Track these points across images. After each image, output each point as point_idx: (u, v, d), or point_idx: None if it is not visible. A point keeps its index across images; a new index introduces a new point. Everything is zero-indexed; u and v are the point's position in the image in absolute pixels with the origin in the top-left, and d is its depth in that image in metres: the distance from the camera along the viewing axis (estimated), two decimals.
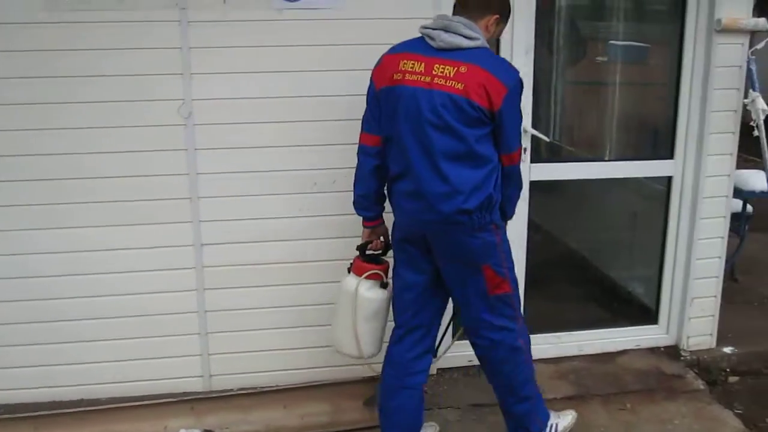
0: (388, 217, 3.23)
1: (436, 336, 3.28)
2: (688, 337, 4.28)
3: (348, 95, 3.54)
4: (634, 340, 4.32)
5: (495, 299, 3.06)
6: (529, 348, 3.24)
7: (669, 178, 4.11)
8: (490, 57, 2.90)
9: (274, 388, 3.77)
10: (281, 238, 3.70)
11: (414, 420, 3.25)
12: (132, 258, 3.63)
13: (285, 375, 3.85)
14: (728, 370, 4.29)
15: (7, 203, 3.50)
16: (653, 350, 4.33)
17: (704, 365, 4.24)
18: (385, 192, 3.17)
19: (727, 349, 4.33)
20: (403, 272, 3.16)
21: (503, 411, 3.32)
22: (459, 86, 2.80)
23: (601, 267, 4.95)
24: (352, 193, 3.19)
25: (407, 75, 2.89)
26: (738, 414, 3.83)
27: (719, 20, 3.81)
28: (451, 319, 3.50)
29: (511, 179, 3.04)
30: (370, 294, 3.19)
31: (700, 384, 4.05)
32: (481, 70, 2.81)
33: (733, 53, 3.90)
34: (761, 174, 4.50)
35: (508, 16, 3.09)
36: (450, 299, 3.24)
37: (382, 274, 3.23)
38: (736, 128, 4.02)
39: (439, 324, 3.29)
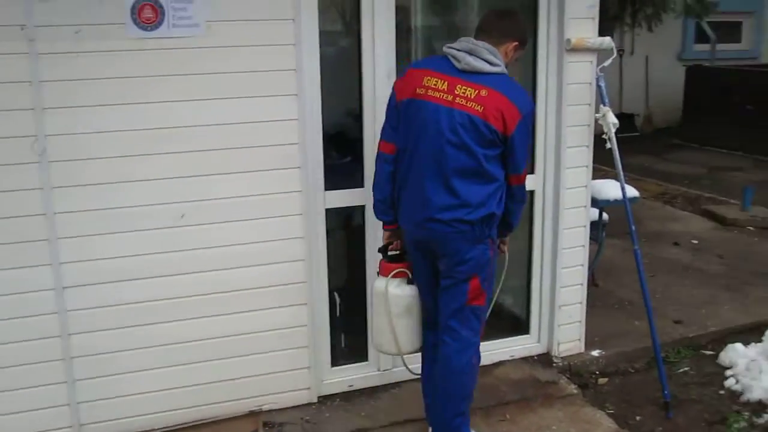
0: None
1: (436, 331, 3.46)
2: (559, 344, 4.44)
3: (213, 125, 3.48)
4: (509, 351, 4.43)
5: (468, 310, 3.27)
6: (478, 367, 3.45)
7: (531, 192, 4.25)
8: (509, 83, 3.12)
9: None
10: (151, 274, 3.56)
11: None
12: None
13: (163, 417, 3.70)
14: (597, 372, 4.48)
15: None
16: (527, 359, 4.45)
17: (575, 370, 4.41)
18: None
19: (595, 353, 4.53)
20: (419, 275, 3.40)
21: (435, 424, 3.45)
22: (479, 108, 3.02)
23: None
24: (372, 198, 3.41)
25: (430, 91, 3.09)
26: (610, 414, 4.00)
27: (568, 40, 4.00)
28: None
29: (516, 197, 3.27)
30: (399, 291, 3.41)
31: (573, 388, 4.19)
32: (501, 95, 3.04)
33: (582, 71, 4.10)
34: (614, 183, 4.73)
35: (526, 43, 3.33)
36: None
37: (407, 271, 3.42)
38: (590, 141, 4.22)
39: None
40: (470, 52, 3.09)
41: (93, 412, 3.60)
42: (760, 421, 3.95)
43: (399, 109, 3.19)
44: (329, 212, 3.86)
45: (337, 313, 4.05)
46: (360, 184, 3.88)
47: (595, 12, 4.06)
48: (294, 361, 3.89)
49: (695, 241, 6.95)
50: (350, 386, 4.09)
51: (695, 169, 10.57)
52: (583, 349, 4.52)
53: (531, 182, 4.21)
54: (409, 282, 3.43)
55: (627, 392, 4.30)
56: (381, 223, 3.48)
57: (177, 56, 3.39)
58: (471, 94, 3.04)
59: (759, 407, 4.10)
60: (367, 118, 3.81)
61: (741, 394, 4.24)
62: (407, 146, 3.16)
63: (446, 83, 3.07)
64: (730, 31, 14.91)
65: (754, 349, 4.57)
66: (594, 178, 4.51)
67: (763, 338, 4.64)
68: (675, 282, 5.82)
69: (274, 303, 3.77)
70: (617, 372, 4.50)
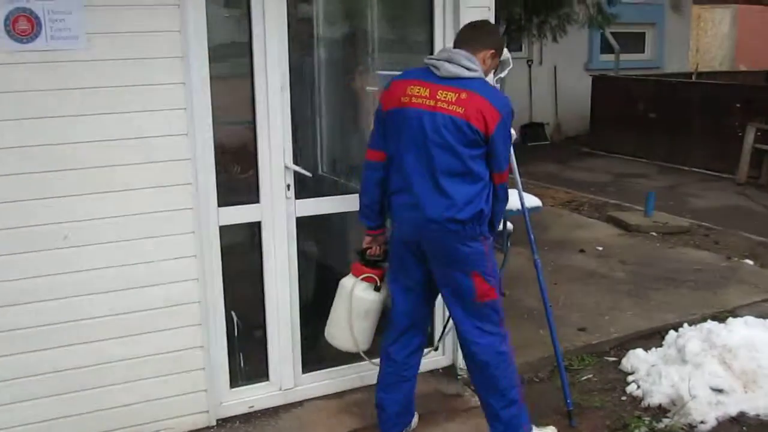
0: None
1: (426, 333, 3.76)
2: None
3: (96, 141, 3.34)
4: None
5: (483, 306, 3.40)
6: (513, 354, 3.57)
7: None
8: (487, 87, 3.31)
9: None
10: (37, 298, 3.36)
11: (409, 405, 3.72)
12: None
13: None
14: None
15: None
16: (433, 372, 4.41)
17: None
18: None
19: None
20: (399, 279, 3.52)
21: (489, 416, 3.58)
22: (460, 110, 3.18)
23: None
24: (358, 203, 3.58)
25: (414, 98, 3.26)
26: None
27: None
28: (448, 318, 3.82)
29: (500, 195, 3.39)
30: (364, 294, 3.60)
31: (477, 401, 4.16)
32: (480, 97, 3.20)
33: None
34: (514, 193, 4.74)
35: (502, 51, 3.54)
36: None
37: (376, 278, 3.59)
38: None
39: (428, 324, 3.75)
40: (448, 60, 3.27)
41: None
42: (660, 425, 4.00)
43: (386, 119, 3.37)
44: (224, 229, 3.74)
45: (236, 333, 3.93)
46: (256, 199, 3.78)
47: (491, 2, 4.05)
48: (190, 384, 3.75)
49: (600, 248, 7.07)
50: (251, 407, 3.97)
51: (602, 176, 10.81)
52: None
53: None
54: (376, 289, 3.61)
55: (531, 402, 4.24)
56: (283, 237, 3.60)
57: (56, 70, 3.24)
58: (452, 98, 3.20)
59: (659, 412, 4.15)
60: (260, 131, 3.72)
61: (642, 399, 4.29)
62: (397, 152, 3.33)
63: (428, 90, 3.25)
64: (635, 42, 15.38)
65: (654, 354, 4.64)
66: None
67: (664, 343, 4.72)
68: (579, 289, 5.90)
69: (167, 324, 3.63)
70: (522, 382, 4.47)
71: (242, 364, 4.01)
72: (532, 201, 4.61)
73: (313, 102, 4.70)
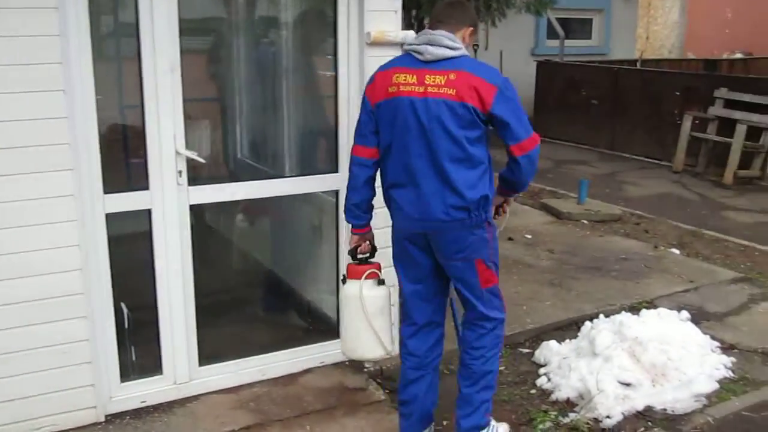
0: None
1: (444, 323, 3.59)
2: None
3: None
4: (319, 357, 4.26)
5: (487, 292, 3.37)
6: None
7: (336, 192, 4.09)
8: (474, 62, 3.18)
9: None
10: None
11: (433, 397, 3.62)
12: None
13: None
14: None
15: None
16: (338, 365, 4.28)
17: (387, 374, 4.28)
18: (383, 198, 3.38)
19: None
20: (409, 274, 3.42)
21: (462, 398, 3.54)
22: (451, 92, 3.07)
23: (284, 286, 4.83)
24: (345, 202, 3.41)
25: (401, 87, 3.14)
26: None
27: (368, 33, 3.85)
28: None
29: (525, 168, 3.20)
30: (374, 292, 3.43)
31: (382, 394, 4.07)
32: (469, 74, 3.09)
33: None
34: None
35: (478, 28, 3.46)
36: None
37: (378, 272, 3.45)
38: None
39: (444, 314, 3.57)
40: (430, 43, 3.15)
41: None
42: (566, 420, 3.93)
43: (375, 113, 3.24)
44: (111, 217, 3.56)
45: (126, 325, 3.77)
46: (145, 186, 3.61)
47: (398, 5, 3.92)
48: (76, 379, 3.58)
49: (529, 236, 7.01)
50: (143, 402, 3.82)
51: (542, 162, 10.55)
52: (398, 352, 4.38)
53: (334, 182, 4.06)
54: (380, 282, 3.46)
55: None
56: (175, 225, 3.41)
57: None
58: (441, 81, 3.10)
59: (566, 406, 4.09)
60: (149, 115, 3.54)
61: (551, 392, 4.22)
62: (392, 145, 3.21)
63: (415, 76, 3.13)
64: (582, 28, 15.37)
65: (567, 345, 4.58)
66: None
67: (579, 334, 4.66)
68: (502, 278, 5.62)
69: (50, 317, 3.45)
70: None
71: (134, 358, 3.85)
72: None
73: (232, 85, 4.58)
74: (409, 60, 3.20)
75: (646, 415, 3.98)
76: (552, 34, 13.90)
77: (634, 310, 5.13)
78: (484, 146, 3.19)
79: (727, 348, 4.75)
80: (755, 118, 9.47)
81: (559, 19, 13.76)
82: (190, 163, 3.68)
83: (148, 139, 3.57)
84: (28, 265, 3.36)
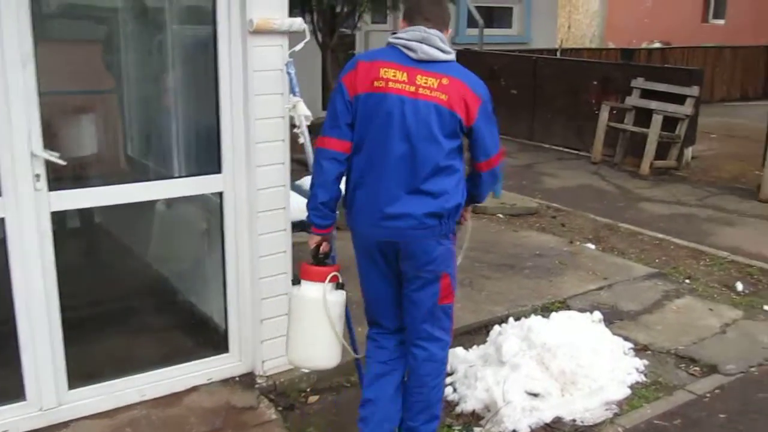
0: None
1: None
2: (263, 362, 3.98)
3: None
4: (206, 374, 3.91)
5: (440, 310, 3.22)
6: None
7: (220, 194, 3.75)
8: (463, 70, 3.06)
9: None
10: None
11: (398, 407, 3.37)
12: None
13: None
14: (308, 390, 4.06)
15: None
16: (227, 381, 3.95)
17: (281, 390, 3.98)
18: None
19: (307, 369, 4.09)
20: (375, 281, 3.26)
21: (407, 429, 3.35)
22: (443, 97, 2.96)
23: (168, 295, 4.44)
24: (310, 200, 3.12)
25: (390, 83, 2.96)
26: None
27: (251, 21, 3.52)
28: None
29: (486, 183, 3.21)
30: (337, 297, 3.24)
31: (273, 413, 3.77)
32: (461, 83, 2.99)
33: (271, 56, 3.64)
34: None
35: None
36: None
37: (339, 275, 3.24)
38: (286, 136, 3.76)
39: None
40: (423, 41, 2.99)
41: None
42: None
43: (355, 105, 3.03)
44: None
45: None
46: None
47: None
48: None
49: None
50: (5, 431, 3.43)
51: None
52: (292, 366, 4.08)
53: (217, 183, 3.73)
54: (338, 287, 3.25)
55: (338, 411, 3.92)
56: (33, 235, 3.12)
57: None
58: (433, 84, 2.96)
59: (472, 419, 3.87)
60: None
61: (456, 404, 3.99)
62: (365, 142, 3.02)
63: (405, 74, 2.98)
64: (502, 17, 15.25)
65: (475, 352, 4.35)
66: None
67: (488, 339, 4.43)
68: None
69: None
70: (330, 388, 4.10)
71: None
72: None
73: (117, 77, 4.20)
74: (397, 55, 3.02)
75: (554, 427, 3.79)
76: (472, 22, 13.70)
77: (546, 310, 4.94)
78: (461, 156, 3.10)
79: (640, 349, 4.60)
80: (671, 108, 9.44)
81: (479, 8, 13.58)
82: (52, 165, 3.29)
83: None
84: None
